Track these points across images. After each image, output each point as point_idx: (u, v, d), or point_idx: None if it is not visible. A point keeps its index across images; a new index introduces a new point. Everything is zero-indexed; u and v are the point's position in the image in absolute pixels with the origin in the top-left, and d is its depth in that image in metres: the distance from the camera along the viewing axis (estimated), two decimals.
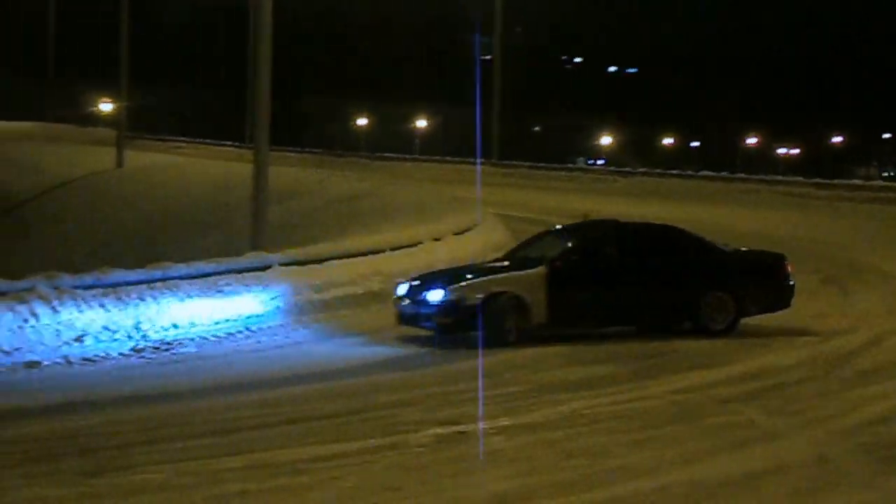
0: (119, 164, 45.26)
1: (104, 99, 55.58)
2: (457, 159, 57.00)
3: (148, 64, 51.69)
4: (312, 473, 10.33)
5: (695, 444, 11.45)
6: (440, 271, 19.05)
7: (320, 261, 22.40)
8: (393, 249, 23.77)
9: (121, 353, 17.16)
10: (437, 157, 59.41)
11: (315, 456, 10.93)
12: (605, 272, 18.05)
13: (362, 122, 74.96)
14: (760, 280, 18.89)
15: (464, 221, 28.02)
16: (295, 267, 21.67)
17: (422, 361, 16.41)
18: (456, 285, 17.55)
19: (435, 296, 17.55)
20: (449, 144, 66.55)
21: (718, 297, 18.27)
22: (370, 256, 23.08)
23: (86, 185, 43.43)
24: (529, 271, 17.81)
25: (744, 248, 20.04)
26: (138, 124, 50.33)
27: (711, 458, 10.93)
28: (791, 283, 19.05)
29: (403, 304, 18.07)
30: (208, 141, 58.64)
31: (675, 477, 10.23)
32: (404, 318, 18.09)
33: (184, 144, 58.36)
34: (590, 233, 19.03)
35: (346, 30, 74.19)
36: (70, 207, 41.18)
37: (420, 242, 24.78)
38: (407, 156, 61.33)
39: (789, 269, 19.11)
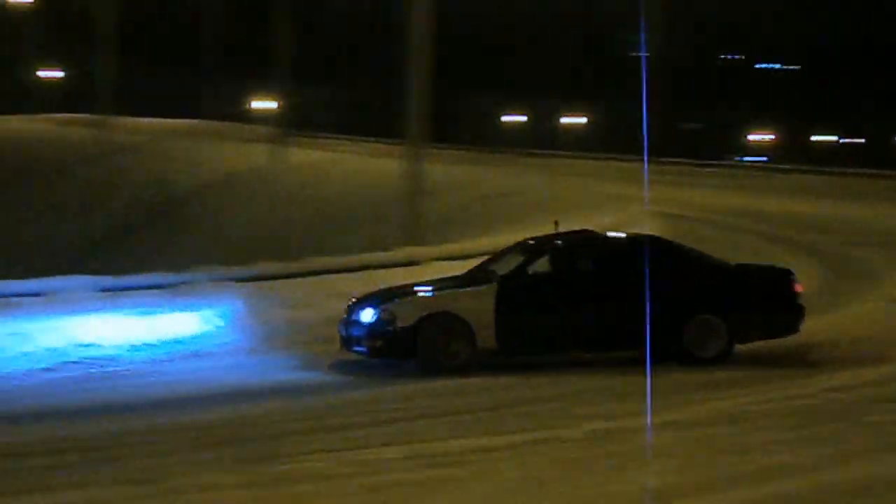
0: (277, 160, 46.03)
1: (262, 97, 56.52)
2: (609, 156, 56.77)
3: (306, 62, 52.41)
4: (469, 465, 10.48)
5: (852, 442, 11.31)
6: (397, 286, 16.89)
7: (471, 256, 22.55)
8: None
9: (276, 345, 17.50)
10: (589, 154, 59.24)
11: (471, 448, 11.09)
12: (566, 291, 15.82)
13: (513, 118, 75.06)
14: (760, 300, 16.27)
15: (615, 218, 27.92)
16: (446, 261, 21.87)
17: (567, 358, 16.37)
18: (389, 303, 15.62)
19: (366, 315, 15.59)
20: (600, 141, 66.30)
21: (706, 321, 15.82)
22: None
23: (245, 181, 44.20)
24: (476, 288, 15.77)
25: (747, 264, 17.63)
26: (296, 121, 51.05)
27: (870, 457, 10.79)
28: (799, 303, 16.35)
29: (340, 324, 16.15)
30: (364, 137, 59.29)
31: (833, 476, 10.12)
32: (342, 341, 16.08)
33: (340, 141, 59.05)
34: (552, 246, 16.46)
35: (498, 27, 74.27)
36: (229, 203, 41.97)
37: None
38: (559, 152, 61.27)
39: (797, 287, 16.44)
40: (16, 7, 59.38)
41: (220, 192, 43.70)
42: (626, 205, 30.11)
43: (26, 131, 56.76)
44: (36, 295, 17.98)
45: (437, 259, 21.89)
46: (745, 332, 16.07)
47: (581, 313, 15.69)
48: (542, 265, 16.13)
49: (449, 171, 37.37)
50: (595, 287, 15.85)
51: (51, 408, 13.59)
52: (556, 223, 17.19)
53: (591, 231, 17.33)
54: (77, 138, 52.86)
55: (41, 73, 66.94)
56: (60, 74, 66.80)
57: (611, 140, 62.80)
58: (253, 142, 50.71)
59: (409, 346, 15.34)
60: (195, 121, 61.59)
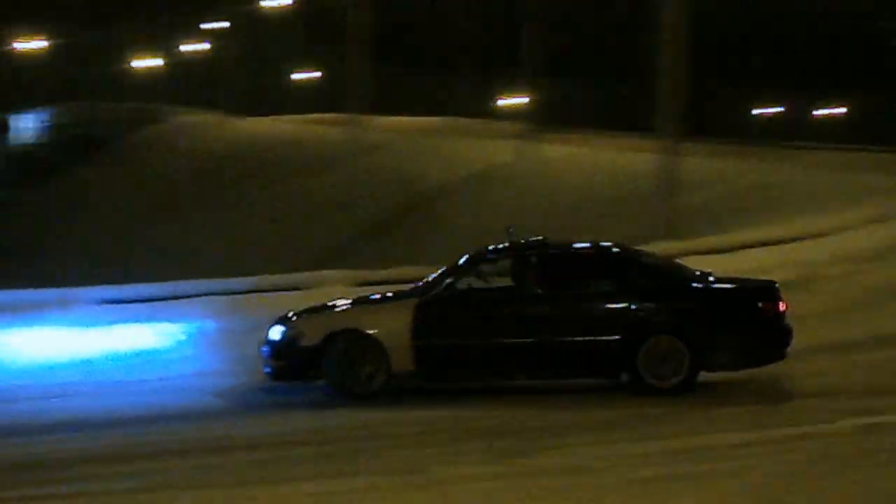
0: (528, 156, 46.29)
1: (512, 93, 56.83)
2: (868, 147, 55.19)
3: (556, 56, 52.52)
4: (730, 460, 10.41)
5: None
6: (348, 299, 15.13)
7: (732, 249, 22.37)
8: (802, 238, 23.47)
9: None
10: (848, 146, 57.71)
11: (731, 443, 11.00)
12: (499, 307, 13.89)
13: (769, 110, 73.72)
14: (731, 320, 13.85)
15: (876, 211, 27.21)
16: (704, 256, 21.69)
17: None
18: (298, 319, 14.17)
19: (274, 332, 14.18)
20: (859, 133, 64.53)
21: (665, 342, 13.60)
22: (781, 245, 22.87)
23: (495, 178, 44.58)
24: (394, 303, 14.13)
25: (725, 277, 14.74)
26: (546, 117, 51.20)
27: None
28: (782, 323, 13.87)
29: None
30: (617, 132, 59.04)
31: None
32: None
33: (592, 136, 58.97)
34: (487, 257, 14.37)
35: (753, 16, 73.08)
36: (480, 200, 42.39)
37: (829, 233, 24.35)
38: (816, 144, 59.89)
39: (780, 305, 13.89)
40: (274, 9, 61.17)
41: (471, 189, 44.18)
42: (884, 198, 29.27)
43: (284, 132, 58.52)
44: (294, 289, 18.54)
45: (695, 253, 21.74)
46: (713, 357, 13.66)
47: (513, 333, 13.75)
48: (466, 279, 14.09)
49: (704, 164, 36.96)
50: (535, 303, 13.83)
51: (305, 400, 13.95)
52: (510, 229, 14.96)
53: (545, 240, 14.74)
54: (331, 138, 54.19)
55: (298, 75, 68.81)
56: (316, 75, 68.52)
57: (870, 131, 61.03)
58: (503, 138, 51.08)
59: (314, 368, 13.83)
60: (445, 118, 62.44)
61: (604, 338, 13.64)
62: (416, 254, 33.77)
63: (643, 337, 13.62)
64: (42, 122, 63.12)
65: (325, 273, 19.82)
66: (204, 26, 63.00)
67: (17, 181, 57.94)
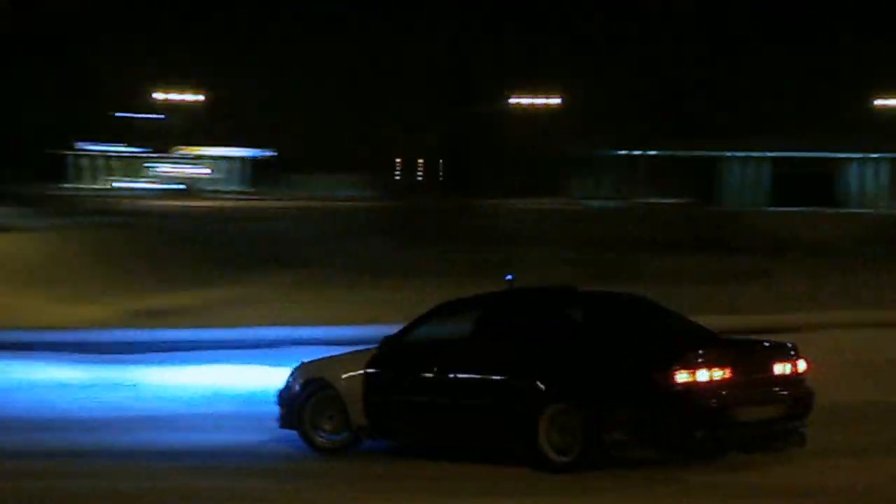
0: None
1: None
2: None
3: None
4: None
5: None
6: None
7: None
8: None
9: None
10: None
11: None
12: (436, 361, 13.23)
13: None
14: (624, 388, 12.15)
15: None
16: None
17: None
18: (301, 366, 14.38)
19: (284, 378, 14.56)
20: None
21: (560, 413, 12.33)
22: None
23: None
24: (357, 352, 14.15)
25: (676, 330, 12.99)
26: None
27: None
28: (690, 400, 11.89)
29: None
30: None
31: None
32: None
33: None
34: (445, 308, 13.86)
35: None
36: None
37: None
38: None
39: (677, 375, 11.92)
40: None
41: None
42: None
43: None
44: None
45: None
46: (605, 434, 12.11)
47: (447, 395, 13.13)
48: (423, 329, 13.68)
49: None
50: (465, 359, 13.14)
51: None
52: (508, 277, 14.32)
53: (517, 288, 14.22)
54: None
55: None
56: None
57: None
58: None
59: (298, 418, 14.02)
60: None
61: (514, 402, 12.67)
62: None
63: (544, 402, 12.51)
64: None
65: None
66: None
67: None
